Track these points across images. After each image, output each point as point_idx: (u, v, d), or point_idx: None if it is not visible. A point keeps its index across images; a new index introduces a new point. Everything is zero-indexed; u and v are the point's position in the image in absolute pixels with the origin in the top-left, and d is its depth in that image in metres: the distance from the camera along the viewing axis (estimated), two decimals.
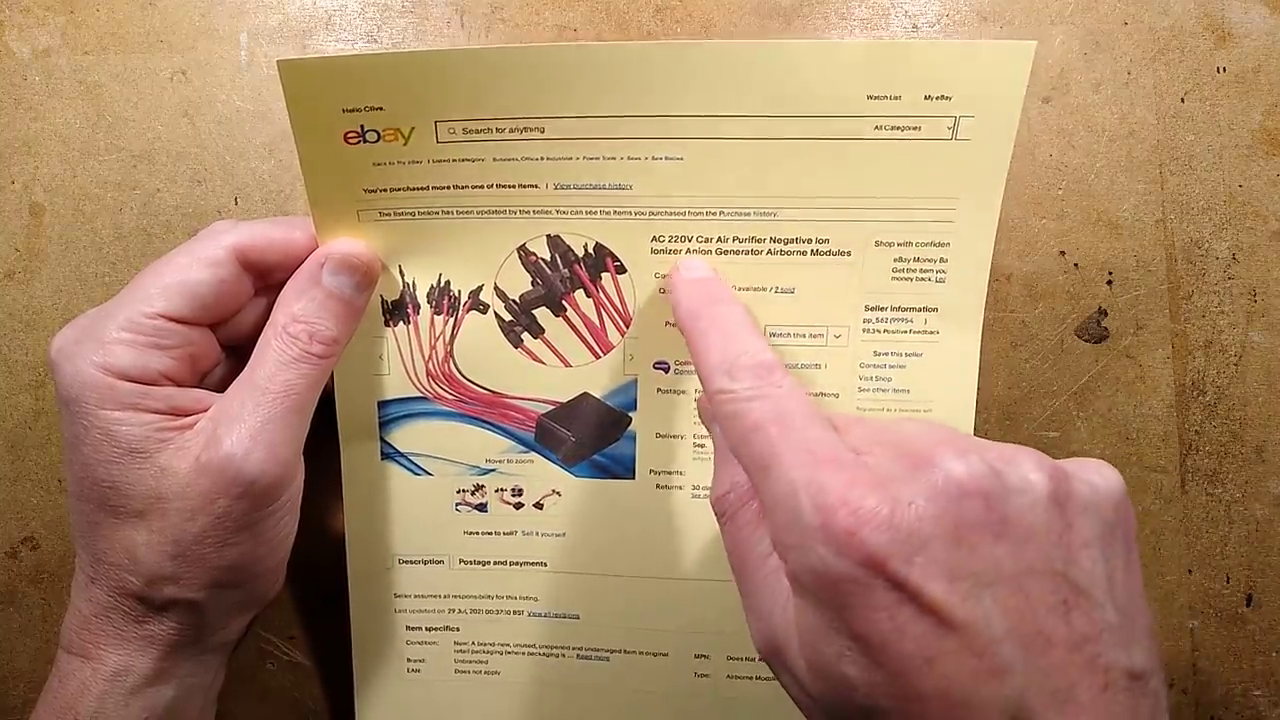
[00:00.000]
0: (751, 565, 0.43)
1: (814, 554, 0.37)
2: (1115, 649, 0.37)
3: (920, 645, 0.36)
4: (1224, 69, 0.59)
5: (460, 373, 0.57)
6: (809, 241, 0.54)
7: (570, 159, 0.52)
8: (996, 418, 0.61)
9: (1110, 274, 0.60)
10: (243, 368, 0.51)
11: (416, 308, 0.56)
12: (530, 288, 0.56)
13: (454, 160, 0.52)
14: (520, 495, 0.60)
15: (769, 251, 0.54)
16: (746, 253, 0.54)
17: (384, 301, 0.56)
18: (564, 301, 0.56)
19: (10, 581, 0.65)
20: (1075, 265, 0.60)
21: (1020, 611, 0.36)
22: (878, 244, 0.54)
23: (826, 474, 0.38)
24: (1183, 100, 0.59)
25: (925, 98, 0.51)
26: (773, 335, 0.56)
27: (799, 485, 0.38)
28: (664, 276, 0.55)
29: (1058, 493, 0.38)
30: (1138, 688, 0.37)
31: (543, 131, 0.52)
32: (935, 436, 0.40)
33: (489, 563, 0.61)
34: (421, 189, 0.53)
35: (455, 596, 0.61)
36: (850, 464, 0.39)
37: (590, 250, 0.55)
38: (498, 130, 0.52)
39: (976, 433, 0.57)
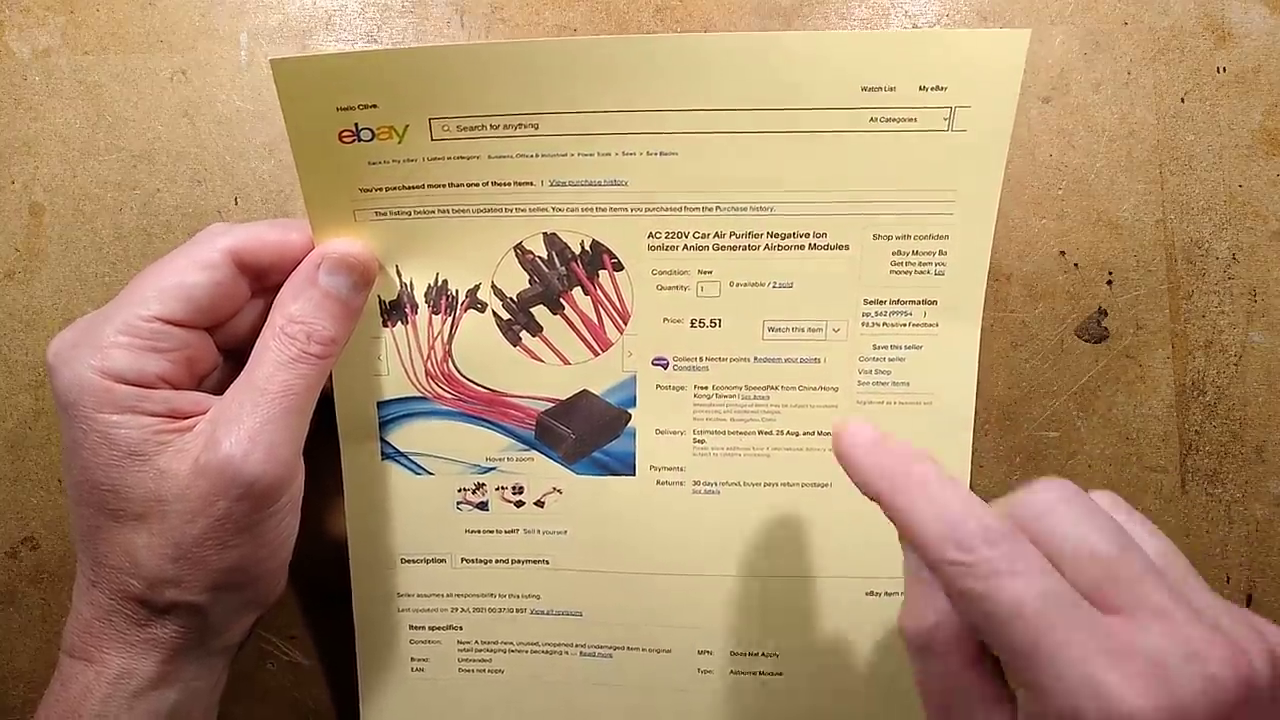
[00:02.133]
0: (958, 708, 0.42)
1: None
2: None
3: None
4: (1224, 69, 0.59)
5: (459, 372, 0.57)
6: (806, 235, 0.54)
7: (565, 155, 0.52)
8: (996, 418, 0.61)
9: (1110, 274, 0.60)
10: (241, 370, 0.51)
11: (414, 307, 0.56)
12: (528, 286, 0.56)
13: (449, 158, 0.52)
14: (521, 493, 0.60)
15: (766, 246, 0.54)
16: (744, 248, 0.55)
17: (381, 302, 0.56)
18: (562, 299, 0.56)
19: (10, 581, 0.65)
20: (1075, 265, 0.60)
21: None
22: (876, 237, 0.54)
23: (1105, 672, 0.37)
24: (1183, 100, 0.59)
25: (920, 89, 0.51)
26: (771, 330, 0.56)
27: (1077, 682, 0.37)
28: (662, 273, 0.55)
29: (1275, 680, 0.39)
30: None
31: (537, 128, 0.52)
32: (1193, 602, 0.40)
33: (491, 561, 0.61)
34: (417, 187, 0.53)
35: (458, 595, 0.61)
36: (1125, 656, 0.38)
37: (587, 247, 0.55)
38: (492, 127, 0.52)
39: (976, 433, 0.57)
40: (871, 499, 0.45)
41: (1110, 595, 0.39)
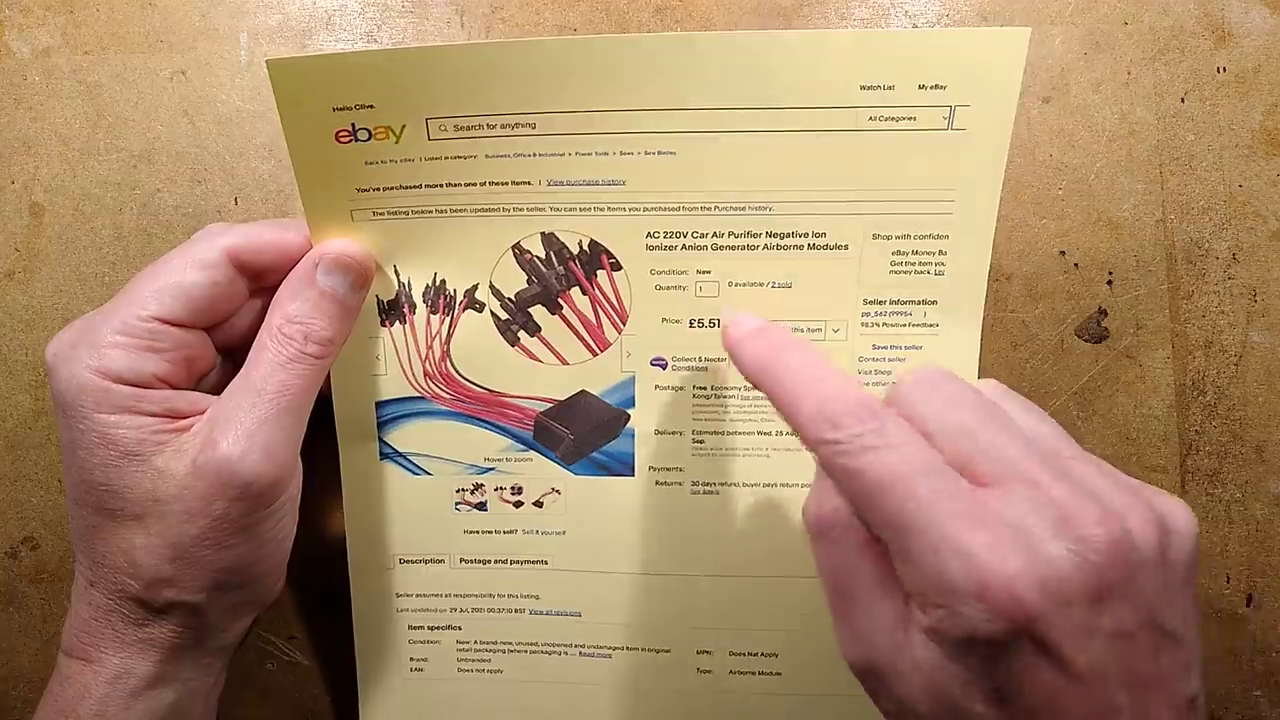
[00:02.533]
0: (853, 589, 0.43)
1: (963, 616, 0.38)
2: (1188, 680, 0.39)
3: (1050, 693, 0.38)
4: (1224, 69, 0.59)
5: (457, 372, 0.57)
6: (805, 235, 0.54)
7: (563, 155, 0.52)
8: None
9: (1110, 274, 0.60)
10: (239, 370, 0.51)
11: (412, 307, 0.56)
12: (526, 286, 0.56)
13: (446, 158, 0.52)
14: (520, 494, 0.60)
15: (765, 246, 0.54)
16: (742, 247, 0.54)
17: (379, 301, 0.56)
18: (560, 299, 0.56)
19: (10, 581, 0.65)
20: (1075, 265, 0.60)
21: (1130, 660, 0.38)
22: (875, 237, 0.54)
23: (970, 536, 0.38)
24: (1183, 100, 0.59)
25: (919, 87, 0.51)
26: None
27: (944, 550, 0.38)
28: (660, 273, 0.55)
29: (1162, 545, 0.39)
30: (1195, 709, 0.40)
31: (534, 127, 0.52)
32: (1056, 471, 0.40)
33: (490, 561, 0.61)
34: (414, 187, 0.53)
35: (456, 595, 0.61)
36: (993, 522, 0.38)
37: (585, 247, 0.55)
38: (489, 127, 0.52)
39: None
40: (756, 388, 0.46)
41: (980, 468, 0.40)
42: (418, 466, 0.59)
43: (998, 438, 0.41)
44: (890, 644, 0.41)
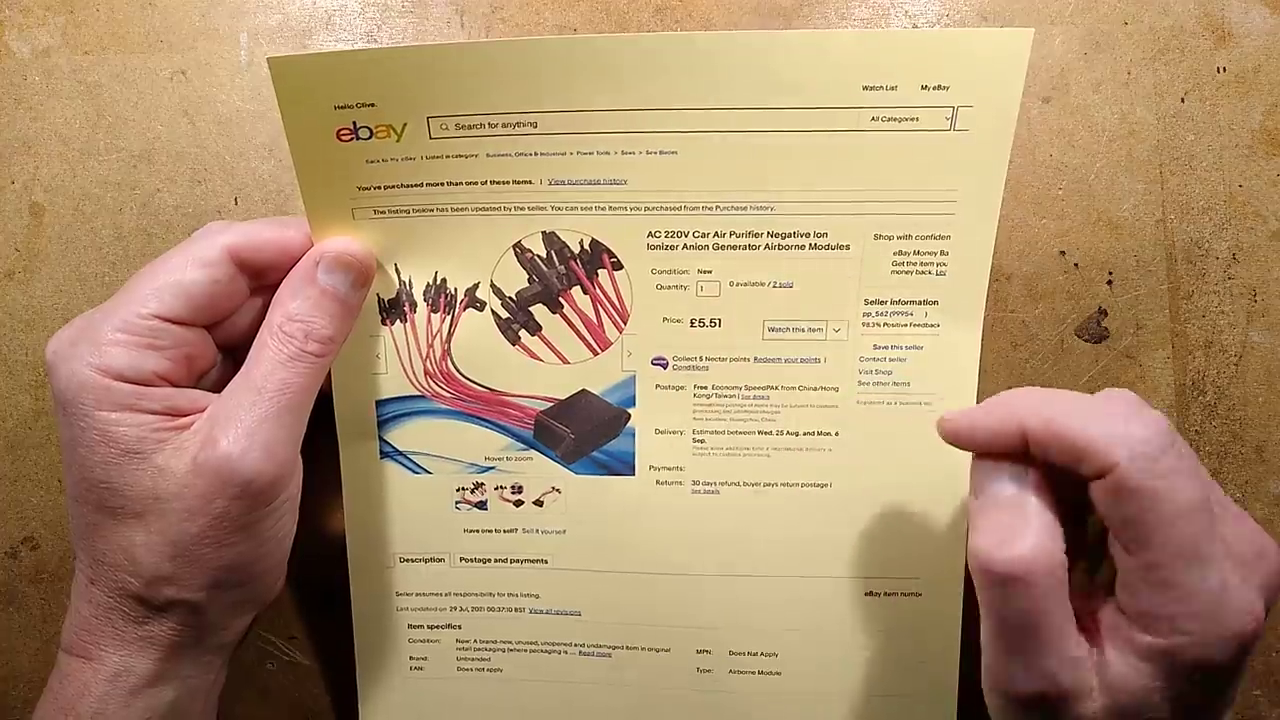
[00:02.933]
0: (1042, 627, 0.43)
1: (1215, 648, 0.41)
2: None
3: None
4: (1224, 69, 0.59)
5: (458, 371, 0.57)
6: (807, 235, 0.54)
7: (564, 154, 0.52)
8: None
9: (1110, 274, 0.60)
10: (240, 368, 0.51)
11: (413, 306, 0.56)
12: (527, 285, 0.56)
13: (447, 156, 0.52)
14: (520, 493, 0.60)
15: (766, 246, 0.54)
16: (744, 247, 0.54)
17: (380, 300, 0.56)
18: (561, 298, 0.56)
19: (10, 581, 0.65)
20: (1075, 265, 0.60)
21: None
22: (877, 237, 0.54)
23: (1242, 578, 0.42)
24: (1183, 100, 0.59)
25: (922, 88, 0.51)
26: (771, 330, 0.56)
27: (1230, 589, 0.41)
28: (661, 272, 0.55)
29: None
30: None
31: (535, 126, 0.52)
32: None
33: (490, 560, 0.61)
34: (415, 186, 0.53)
35: (456, 594, 0.61)
36: (1252, 566, 0.42)
37: (586, 246, 0.55)
38: (490, 126, 0.52)
39: None
40: (1005, 451, 0.46)
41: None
42: (418, 465, 0.59)
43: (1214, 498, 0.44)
44: (1074, 672, 0.43)
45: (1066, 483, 0.45)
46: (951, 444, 0.49)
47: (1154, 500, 0.41)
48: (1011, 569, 0.42)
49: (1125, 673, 0.42)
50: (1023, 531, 0.43)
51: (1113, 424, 0.42)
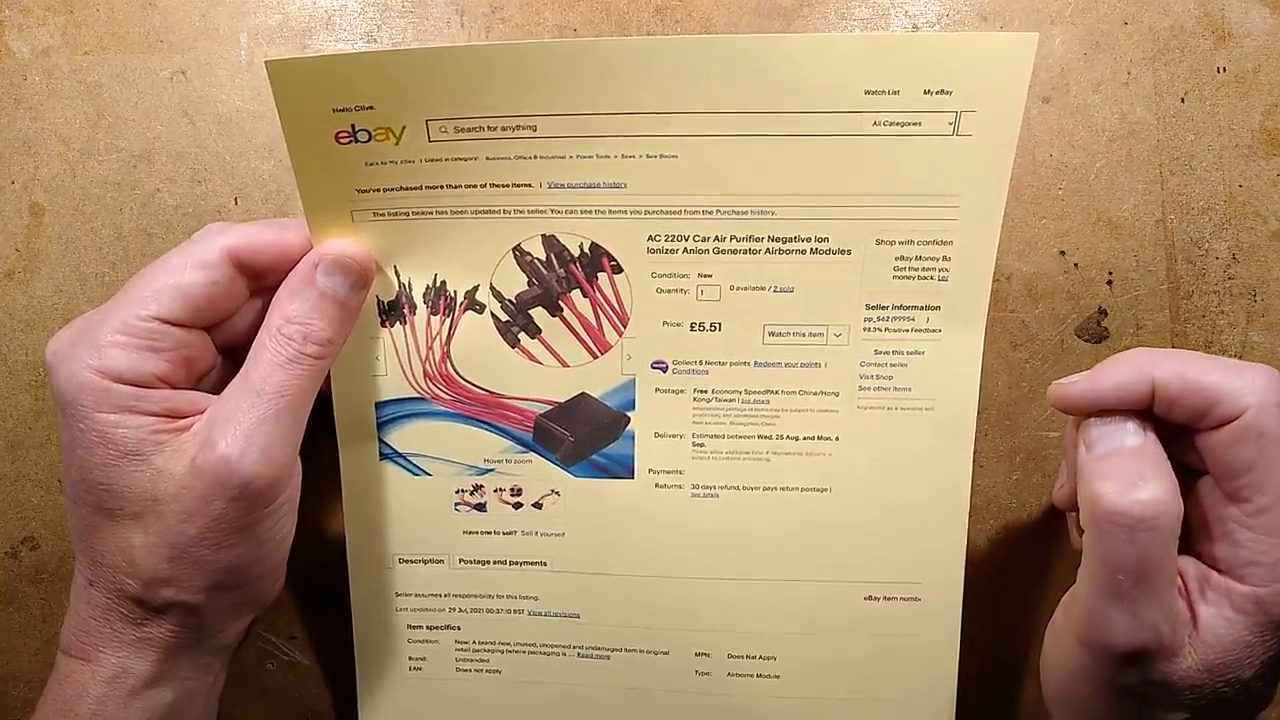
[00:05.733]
0: (1153, 577, 0.45)
1: None
2: None
3: None
4: (1224, 69, 0.59)
5: (457, 373, 0.57)
6: (808, 240, 0.54)
7: (563, 157, 0.52)
8: (996, 418, 0.61)
9: (1110, 274, 0.60)
10: (239, 370, 0.51)
11: (413, 308, 0.56)
12: (526, 287, 0.56)
13: (446, 159, 0.52)
14: (519, 495, 0.60)
15: (767, 250, 0.54)
16: (744, 252, 0.54)
17: (380, 302, 0.56)
18: (560, 301, 0.56)
19: (10, 581, 0.65)
20: (1075, 265, 0.60)
21: None
22: (879, 242, 0.54)
23: None
24: (1183, 100, 0.59)
25: (925, 92, 0.51)
26: (771, 334, 0.56)
27: None
28: (661, 276, 0.55)
29: None
30: None
31: (535, 130, 0.52)
32: None
33: (489, 562, 0.61)
34: (414, 188, 0.53)
35: (456, 596, 0.61)
36: None
37: (586, 250, 0.55)
38: (490, 129, 0.52)
39: (976, 433, 0.57)
40: (1127, 408, 0.48)
41: None
42: (417, 467, 0.59)
43: None
44: (1175, 626, 0.45)
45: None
46: (1065, 410, 0.50)
47: (1277, 444, 0.44)
48: (1144, 512, 0.44)
49: (1219, 626, 0.45)
50: (1154, 477, 0.45)
51: (1240, 373, 0.45)
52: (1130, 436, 0.47)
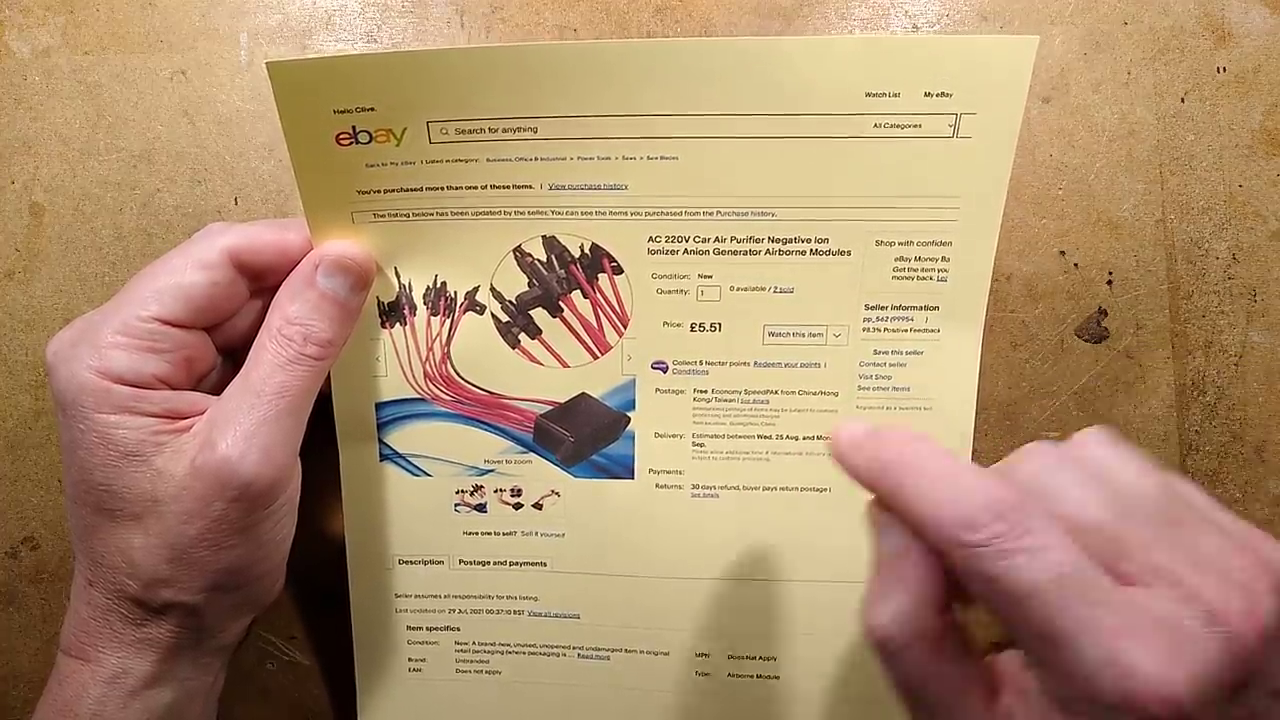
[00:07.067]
0: (936, 694, 0.41)
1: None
2: None
3: None
4: (1224, 69, 0.59)
5: (458, 374, 0.57)
6: (808, 241, 0.54)
7: (564, 159, 0.52)
8: (996, 418, 0.61)
9: (1110, 274, 0.60)
10: (239, 371, 0.51)
11: (413, 309, 0.56)
12: (527, 288, 0.56)
13: (447, 161, 0.52)
14: (519, 495, 0.60)
15: (767, 251, 0.54)
16: (745, 253, 0.54)
17: (380, 303, 0.56)
18: (561, 302, 0.56)
19: (10, 581, 0.65)
20: (1075, 265, 0.60)
21: None
22: (878, 243, 0.54)
23: (1121, 645, 0.37)
24: (1183, 100, 0.59)
25: (925, 95, 0.51)
26: (771, 334, 0.56)
27: (1098, 666, 0.37)
28: (662, 277, 0.55)
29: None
30: None
31: (536, 131, 0.52)
32: (1197, 561, 0.39)
33: (489, 563, 0.61)
34: (415, 190, 0.53)
35: (455, 596, 0.61)
36: (1143, 629, 0.37)
37: (587, 251, 0.55)
38: (490, 130, 0.51)
39: (976, 433, 0.57)
40: (877, 496, 0.44)
41: (1121, 564, 0.39)
42: (417, 468, 0.59)
43: (1140, 533, 0.39)
44: None
45: None
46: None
47: (989, 583, 0.39)
48: (873, 636, 0.42)
49: None
50: (890, 595, 0.41)
51: (942, 500, 0.40)
52: (888, 538, 0.43)
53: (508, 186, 0.53)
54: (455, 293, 0.56)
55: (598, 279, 0.55)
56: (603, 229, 0.54)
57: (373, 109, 0.50)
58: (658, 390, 0.57)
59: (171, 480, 0.48)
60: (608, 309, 0.56)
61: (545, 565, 0.60)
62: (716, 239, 0.54)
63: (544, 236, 0.55)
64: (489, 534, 0.60)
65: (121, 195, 0.62)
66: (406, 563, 0.61)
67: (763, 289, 0.55)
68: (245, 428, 0.48)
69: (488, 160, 0.52)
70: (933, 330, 0.55)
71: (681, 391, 0.57)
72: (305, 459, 0.53)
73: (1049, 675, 0.38)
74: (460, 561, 0.61)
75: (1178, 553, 0.39)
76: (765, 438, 0.57)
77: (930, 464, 0.42)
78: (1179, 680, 0.36)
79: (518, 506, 0.59)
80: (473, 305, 0.56)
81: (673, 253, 0.54)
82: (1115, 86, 0.59)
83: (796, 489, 0.58)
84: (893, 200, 0.53)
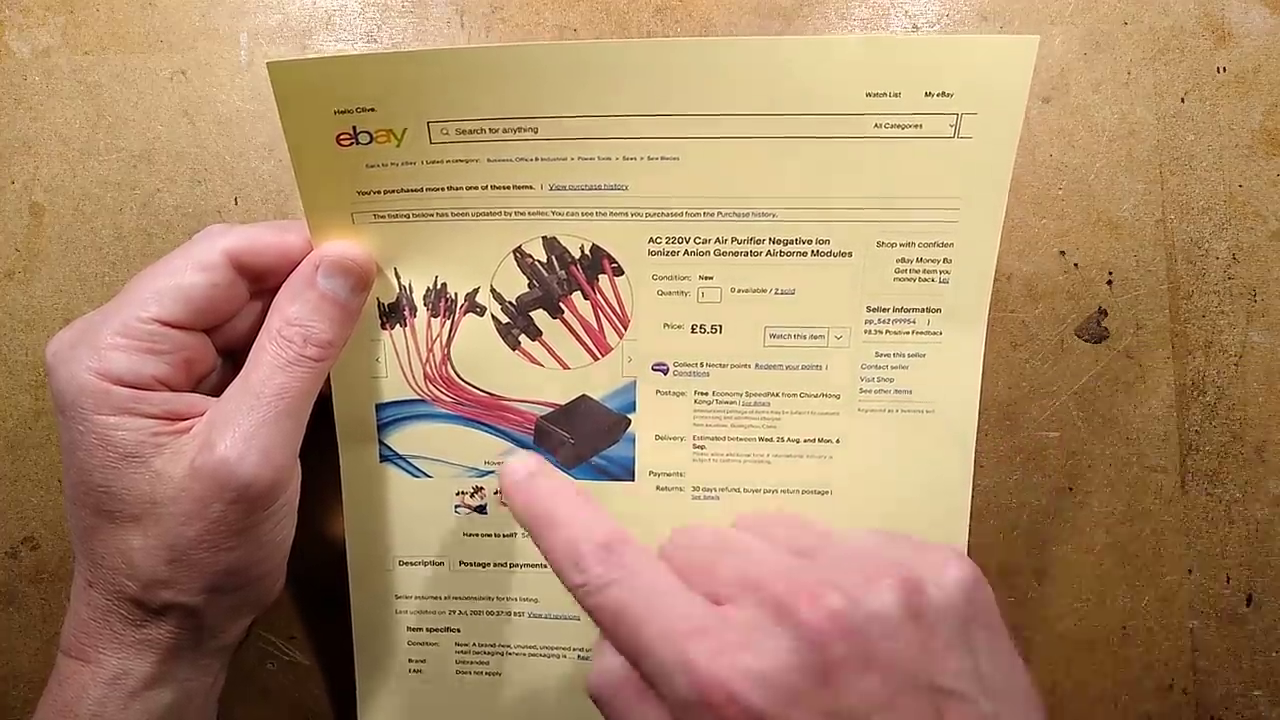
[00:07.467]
0: None
1: None
2: None
3: None
4: (1224, 69, 0.59)
5: (458, 375, 0.57)
6: (809, 242, 0.54)
7: (565, 159, 0.52)
8: (996, 418, 0.61)
9: (1110, 274, 0.60)
10: (239, 373, 0.51)
11: (413, 310, 0.56)
12: (527, 289, 0.56)
13: (448, 161, 0.52)
14: None
15: (768, 252, 0.54)
16: (745, 254, 0.54)
17: (380, 304, 0.56)
18: (561, 303, 0.56)
19: (10, 581, 0.65)
20: (1075, 265, 0.60)
21: None
22: (880, 244, 0.54)
23: (693, 648, 0.39)
24: (1183, 100, 0.59)
25: (926, 95, 0.50)
26: (773, 336, 0.56)
27: (672, 669, 0.39)
28: (662, 278, 0.55)
29: (912, 605, 0.40)
30: None
31: (536, 132, 0.51)
32: (788, 570, 0.42)
33: (489, 564, 0.61)
34: (415, 190, 0.53)
35: (455, 598, 0.61)
36: (713, 629, 0.39)
37: (587, 252, 0.55)
38: (491, 131, 0.51)
39: (977, 433, 0.57)
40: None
41: (722, 591, 0.42)
42: (417, 469, 0.59)
43: (735, 560, 0.43)
44: None
45: None
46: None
47: (596, 615, 0.42)
48: (591, 692, 0.43)
49: None
50: (599, 654, 0.43)
51: (558, 548, 0.44)
52: None
53: (508, 187, 0.53)
54: (455, 294, 0.56)
55: (598, 280, 0.55)
56: (603, 230, 0.54)
57: (373, 109, 0.50)
58: (658, 392, 0.57)
59: (170, 482, 0.48)
60: (608, 310, 0.56)
61: (545, 566, 0.60)
62: (717, 240, 0.54)
63: (544, 237, 0.55)
64: (489, 535, 0.60)
65: (121, 195, 0.62)
66: (407, 564, 0.61)
67: (764, 290, 0.55)
68: (244, 429, 0.48)
69: (488, 161, 0.52)
70: (935, 332, 0.55)
71: (682, 393, 0.57)
72: (305, 460, 0.53)
73: (659, 690, 0.40)
74: (460, 562, 0.61)
75: (776, 568, 0.42)
76: (766, 440, 0.57)
77: (561, 509, 0.45)
78: (734, 675, 0.38)
79: None
80: (473, 306, 0.56)
81: (673, 254, 0.54)
82: (1115, 86, 0.59)
83: (797, 491, 0.58)
84: (894, 201, 0.53)
